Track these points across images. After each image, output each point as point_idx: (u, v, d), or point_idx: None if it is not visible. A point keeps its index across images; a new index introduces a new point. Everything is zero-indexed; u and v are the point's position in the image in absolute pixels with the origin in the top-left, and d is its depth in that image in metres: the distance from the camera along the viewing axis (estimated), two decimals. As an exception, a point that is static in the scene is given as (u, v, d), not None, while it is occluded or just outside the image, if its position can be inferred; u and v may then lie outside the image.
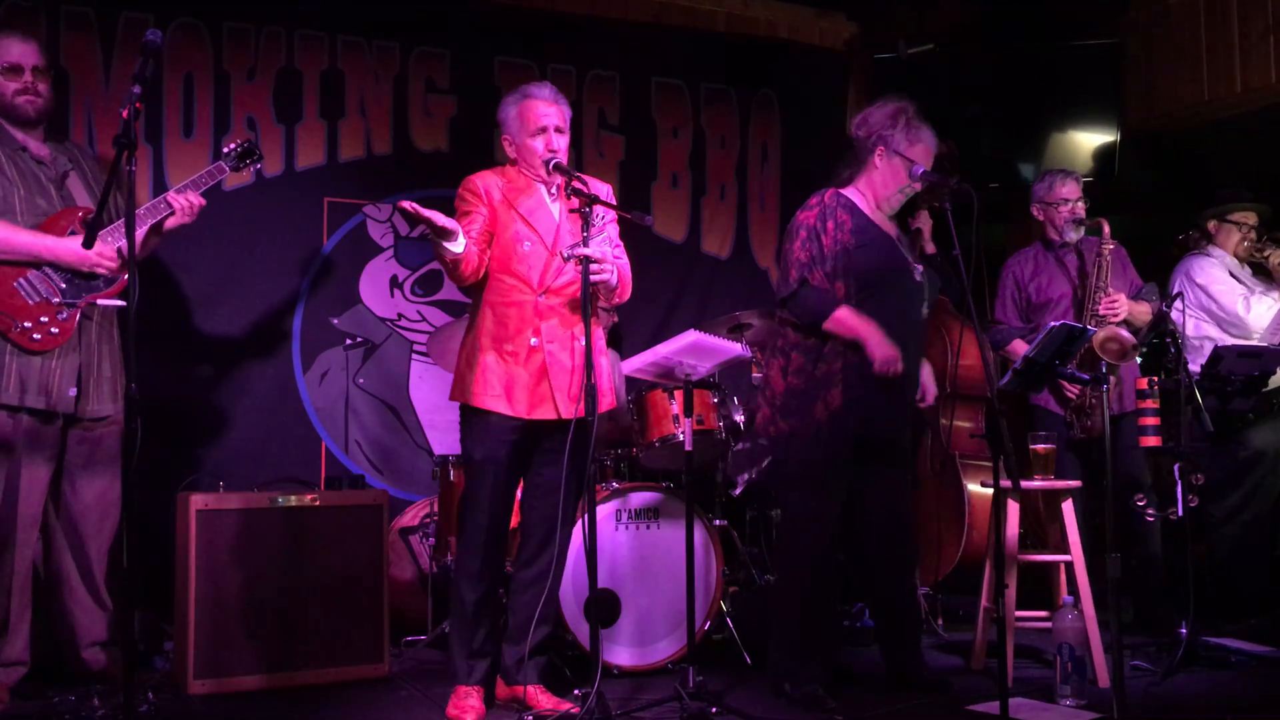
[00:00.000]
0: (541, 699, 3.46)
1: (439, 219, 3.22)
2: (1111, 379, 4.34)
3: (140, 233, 3.66)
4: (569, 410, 3.40)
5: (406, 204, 3.18)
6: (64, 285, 3.60)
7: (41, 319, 3.56)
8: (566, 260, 3.36)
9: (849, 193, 3.74)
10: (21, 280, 3.56)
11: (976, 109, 5.72)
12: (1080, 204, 4.61)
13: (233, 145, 3.89)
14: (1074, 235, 4.60)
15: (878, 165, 3.69)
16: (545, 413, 3.41)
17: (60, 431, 3.66)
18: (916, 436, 3.87)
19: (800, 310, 3.62)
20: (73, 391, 3.61)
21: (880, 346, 3.49)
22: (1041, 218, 4.71)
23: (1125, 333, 4.33)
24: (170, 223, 3.71)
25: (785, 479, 3.77)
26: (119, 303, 3.68)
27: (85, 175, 3.81)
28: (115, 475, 3.73)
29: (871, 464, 3.69)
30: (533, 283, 3.43)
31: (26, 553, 3.62)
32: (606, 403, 3.52)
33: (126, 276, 3.70)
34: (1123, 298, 4.45)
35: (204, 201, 3.74)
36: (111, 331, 3.78)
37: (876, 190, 3.72)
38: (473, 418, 3.45)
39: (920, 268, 3.71)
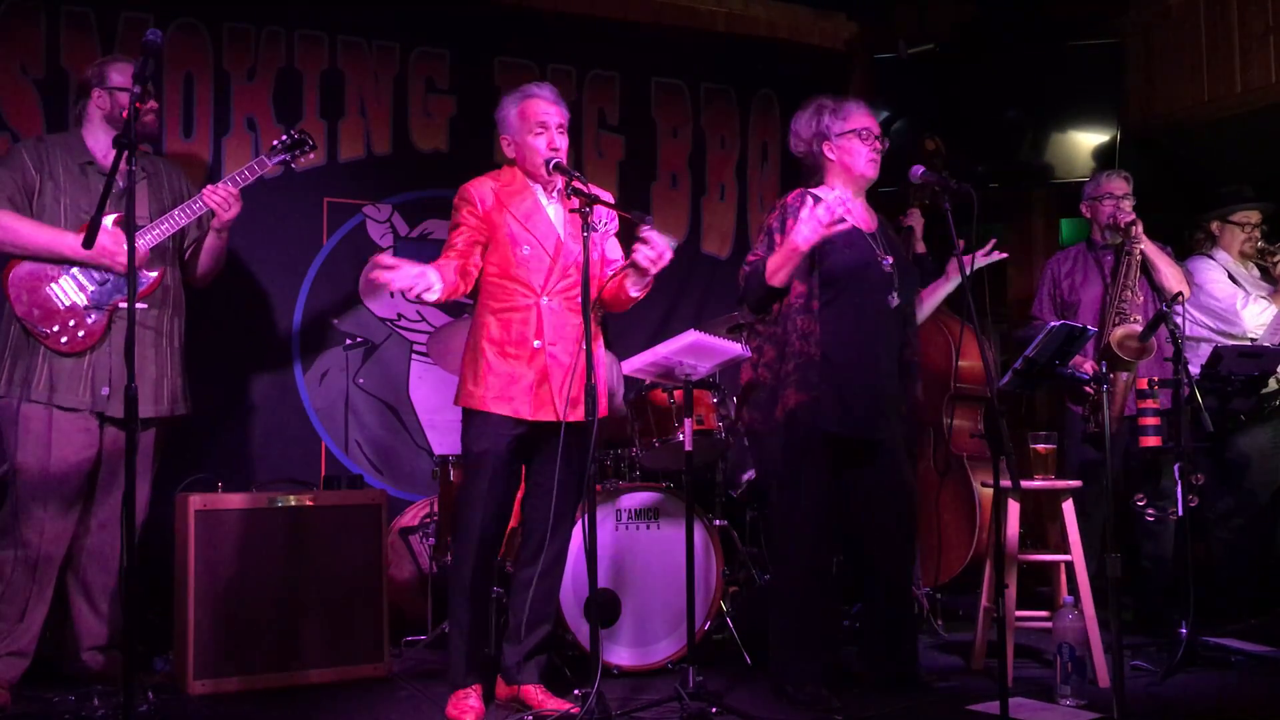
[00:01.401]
0: (542, 698, 3.46)
1: (413, 290, 3.24)
2: (1125, 376, 4.36)
3: (171, 232, 3.78)
4: (566, 414, 3.40)
5: (379, 276, 3.23)
6: (93, 289, 3.68)
7: (70, 322, 3.65)
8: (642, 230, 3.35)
9: (819, 191, 3.76)
10: (53, 285, 3.65)
11: (976, 109, 5.72)
12: (1127, 201, 4.60)
13: (281, 138, 3.96)
14: (1113, 236, 4.60)
15: (832, 156, 3.75)
16: (546, 415, 3.42)
17: (99, 431, 3.70)
18: (912, 434, 3.81)
19: (748, 295, 3.70)
20: (105, 391, 3.66)
21: (802, 224, 3.43)
22: (1088, 215, 4.75)
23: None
24: (217, 221, 3.83)
25: (764, 476, 3.77)
26: (143, 305, 3.77)
27: (160, 187, 3.90)
28: (146, 479, 3.83)
29: (857, 464, 3.68)
30: (535, 286, 3.43)
31: (56, 547, 3.67)
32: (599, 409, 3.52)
33: (156, 278, 3.78)
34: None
35: (238, 191, 3.83)
36: (156, 333, 3.82)
37: (843, 178, 3.74)
38: (475, 418, 3.46)
39: (890, 259, 3.70)
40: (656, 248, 3.31)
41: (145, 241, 3.70)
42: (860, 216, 3.76)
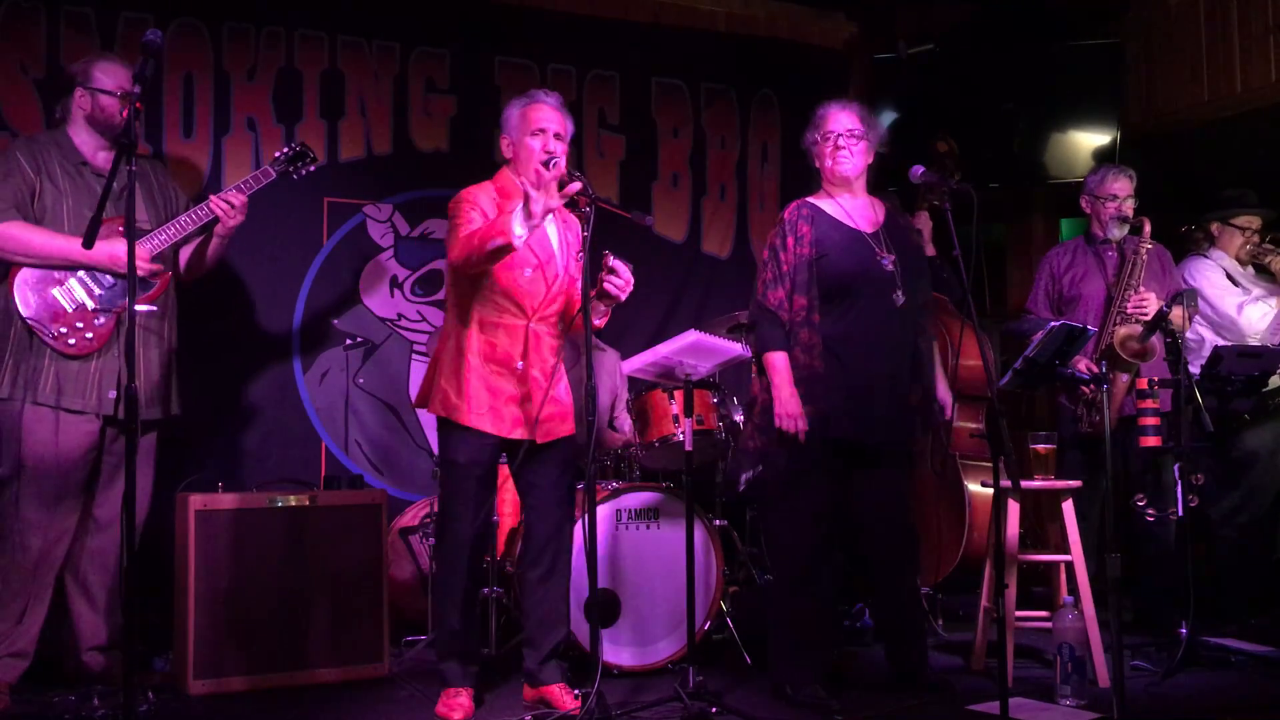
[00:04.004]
0: (566, 699, 3.46)
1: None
2: (1125, 377, 4.35)
3: (177, 238, 3.80)
4: (538, 433, 3.46)
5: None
6: (101, 291, 3.68)
7: (78, 324, 3.64)
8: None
9: (816, 199, 3.82)
10: (59, 287, 3.65)
11: (976, 109, 5.72)
12: (1129, 202, 4.60)
13: (284, 150, 4.03)
14: (1117, 233, 4.59)
15: (818, 165, 3.85)
16: (521, 434, 3.45)
17: (100, 434, 3.70)
18: (916, 435, 3.81)
19: (755, 341, 3.76)
20: (112, 394, 3.67)
21: (783, 403, 3.58)
22: (1088, 210, 4.72)
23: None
24: (222, 227, 3.84)
25: (767, 488, 3.77)
26: (153, 308, 3.78)
27: (151, 189, 3.89)
28: (148, 480, 3.82)
29: (863, 467, 3.70)
30: (527, 309, 3.47)
31: (56, 548, 3.66)
32: (565, 429, 3.57)
33: (162, 282, 3.80)
34: (1152, 297, 4.42)
35: (245, 199, 3.85)
36: (159, 336, 3.83)
37: (829, 181, 3.81)
38: (454, 429, 3.47)
39: (890, 258, 3.70)
40: (624, 275, 3.37)
41: (152, 246, 3.71)
42: (862, 216, 3.76)
